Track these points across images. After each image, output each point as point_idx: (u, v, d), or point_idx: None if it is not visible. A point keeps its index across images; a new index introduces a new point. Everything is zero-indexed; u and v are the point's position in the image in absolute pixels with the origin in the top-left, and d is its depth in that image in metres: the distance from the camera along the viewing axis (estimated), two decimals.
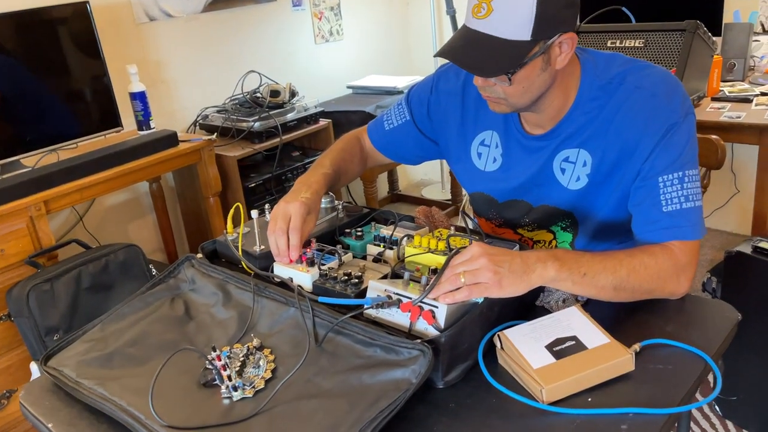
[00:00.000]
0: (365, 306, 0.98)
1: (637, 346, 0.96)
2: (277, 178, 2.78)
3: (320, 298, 1.02)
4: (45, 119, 2.21)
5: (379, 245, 1.21)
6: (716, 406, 2.04)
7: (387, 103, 3.06)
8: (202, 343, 1.05)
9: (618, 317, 1.07)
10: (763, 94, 2.38)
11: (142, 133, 2.46)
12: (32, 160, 2.15)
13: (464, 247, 1.03)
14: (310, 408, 0.87)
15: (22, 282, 1.89)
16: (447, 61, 1.11)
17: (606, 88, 1.18)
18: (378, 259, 1.18)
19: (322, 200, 1.33)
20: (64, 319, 1.89)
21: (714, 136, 1.65)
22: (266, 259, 1.19)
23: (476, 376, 0.96)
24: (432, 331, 0.94)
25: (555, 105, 1.20)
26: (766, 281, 1.73)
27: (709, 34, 2.28)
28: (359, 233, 1.25)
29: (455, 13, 3.36)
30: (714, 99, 2.42)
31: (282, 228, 1.15)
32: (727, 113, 2.25)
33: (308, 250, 1.16)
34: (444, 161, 3.89)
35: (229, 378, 0.93)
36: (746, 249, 1.77)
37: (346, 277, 1.07)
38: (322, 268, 1.12)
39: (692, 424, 2.00)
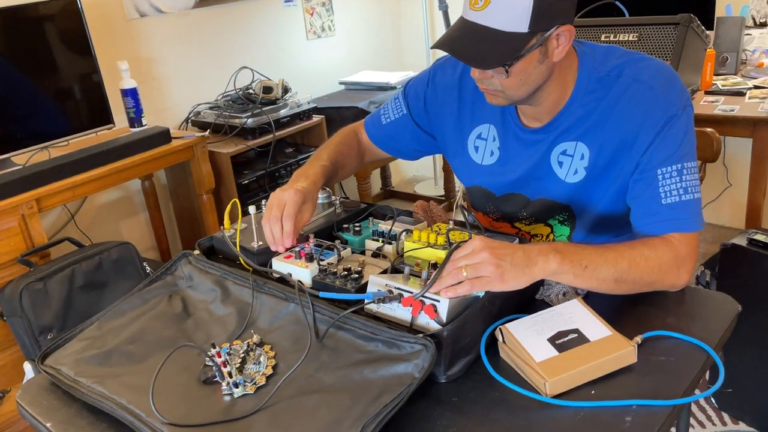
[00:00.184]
0: (367, 301, 0.98)
1: (638, 338, 0.96)
2: (270, 175, 2.77)
3: (321, 294, 1.01)
4: (36, 116, 2.18)
5: (378, 240, 1.20)
6: (712, 398, 2.06)
7: (380, 98, 3.05)
8: (201, 339, 1.04)
9: (618, 309, 1.07)
10: (756, 87, 2.39)
11: (134, 130, 2.44)
12: (23, 158, 2.12)
13: (465, 241, 1.03)
14: (312, 403, 0.86)
15: (14, 281, 1.86)
16: (443, 54, 1.11)
17: (604, 80, 1.18)
18: (377, 254, 1.18)
19: (319, 196, 1.32)
20: (58, 318, 1.87)
21: (709, 129, 1.65)
22: (264, 255, 1.18)
23: (478, 370, 0.95)
24: (434, 326, 0.93)
25: (552, 98, 1.20)
26: (762, 274, 1.74)
27: (703, 27, 2.29)
28: (357, 228, 1.25)
29: (447, 8, 3.35)
30: (707, 92, 2.43)
31: (276, 216, 1.14)
32: (721, 106, 2.26)
33: (306, 245, 1.16)
34: (437, 157, 3.92)
35: (230, 375, 0.92)
36: (741, 241, 1.78)
37: (346, 273, 1.07)
38: (322, 263, 1.11)
39: None
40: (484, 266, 0.94)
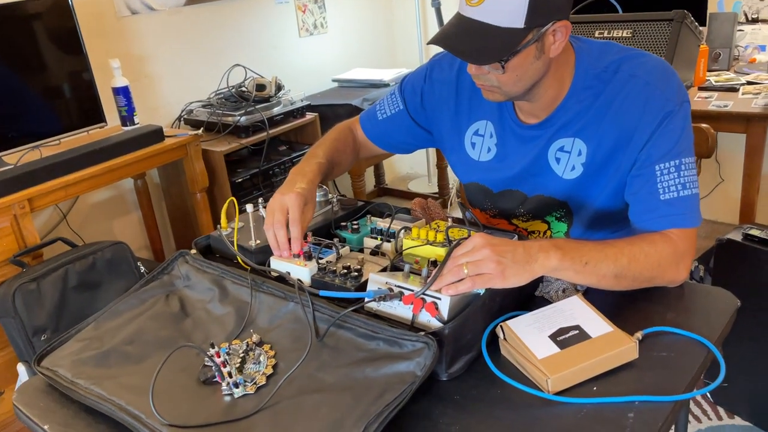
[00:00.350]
0: (367, 299, 0.97)
1: (639, 334, 0.96)
2: (264, 173, 2.75)
3: (321, 292, 1.01)
4: (27, 115, 2.16)
5: (377, 238, 1.20)
6: (708, 393, 2.07)
7: (373, 96, 3.04)
8: (199, 339, 1.03)
9: (618, 306, 1.06)
10: (749, 83, 2.40)
11: (126, 128, 2.42)
12: (14, 158, 2.10)
13: (465, 239, 1.02)
14: (314, 403, 0.86)
15: (7, 282, 1.84)
16: (439, 51, 1.10)
17: (601, 76, 1.18)
18: (376, 251, 1.17)
19: (316, 194, 1.31)
20: (52, 319, 1.85)
21: (704, 125, 1.66)
22: (262, 254, 1.17)
23: (479, 367, 0.95)
24: (435, 323, 0.93)
25: (549, 94, 1.19)
26: (757, 269, 1.75)
27: (696, 23, 2.30)
28: (355, 226, 1.24)
29: (440, 5, 3.34)
30: (701, 88, 2.44)
31: (280, 221, 1.12)
32: (715, 102, 2.27)
33: (305, 244, 1.15)
34: (431, 155, 3.91)
35: (230, 374, 0.91)
36: (736, 237, 1.79)
37: (346, 271, 1.06)
38: (320, 261, 1.10)
39: None
40: (486, 263, 0.94)
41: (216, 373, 0.92)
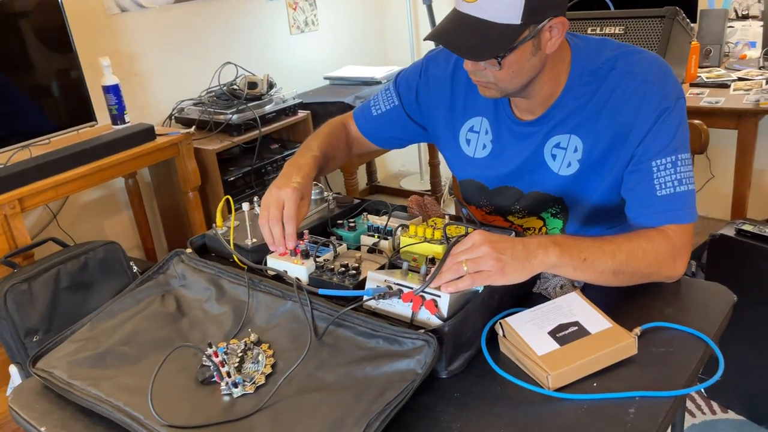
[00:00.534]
0: (366, 297, 0.97)
1: (638, 330, 0.96)
2: (256, 171, 2.74)
3: (320, 291, 1.00)
4: (16, 114, 2.14)
5: (374, 236, 1.19)
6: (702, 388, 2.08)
7: (365, 93, 3.04)
8: (196, 339, 1.02)
9: (616, 302, 1.07)
10: (740, 79, 2.41)
11: (116, 127, 2.40)
12: (4, 157, 2.08)
13: (463, 236, 1.02)
14: (314, 402, 0.85)
15: None
16: (432, 48, 1.10)
17: (597, 73, 1.18)
18: (373, 249, 1.17)
19: (312, 191, 1.30)
20: (44, 320, 1.83)
21: (697, 121, 1.66)
22: (259, 253, 1.16)
23: (479, 364, 0.95)
24: (435, 321, 0.93)
25: (545, 90, 1.19)
26: (750, 263, 1.76)
27: (687, 20, 2.31)
28: (352, 224, 1.23)
29: (431, 2, 3.34)
30: (692, 85, 2.45)
31: (276, 216, 1.11)
32: (707, 99, 2.28)
33: (302, 242, 1.14)
34: (423, 152, 3.91)
35: (228, 374, 0.90)
36: (729, 232, 1.80)
37: (344, 269, 1.05)
38: (318, 260, 1.09)
39: None
40: (485, 260, 0.94)
41: (214, 373, 0.91)
